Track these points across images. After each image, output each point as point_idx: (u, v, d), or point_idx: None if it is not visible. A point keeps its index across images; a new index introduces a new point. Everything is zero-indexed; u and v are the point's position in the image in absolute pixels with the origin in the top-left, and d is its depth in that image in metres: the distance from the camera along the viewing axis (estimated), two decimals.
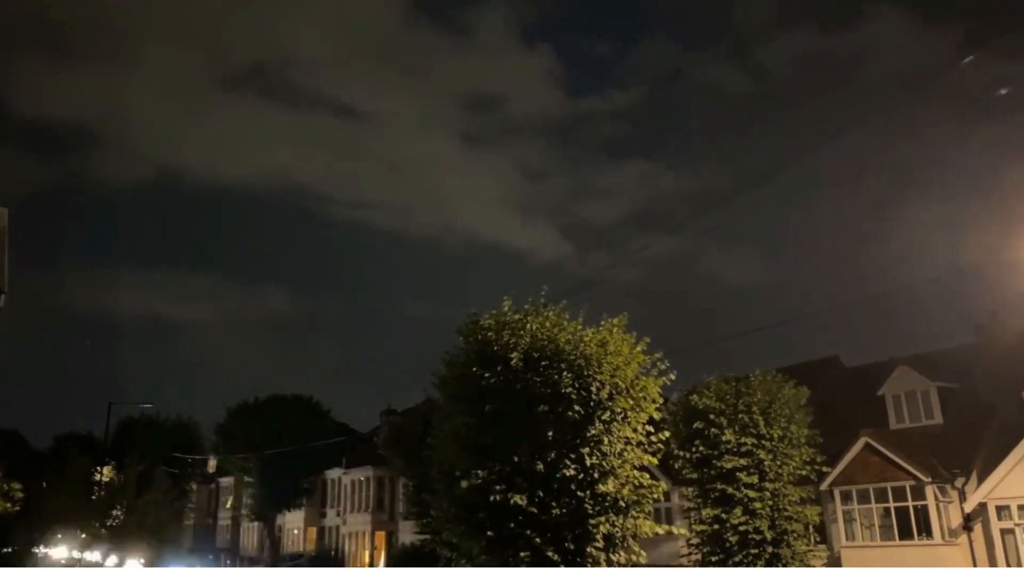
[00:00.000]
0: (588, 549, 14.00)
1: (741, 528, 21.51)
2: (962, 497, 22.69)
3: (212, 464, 58.31)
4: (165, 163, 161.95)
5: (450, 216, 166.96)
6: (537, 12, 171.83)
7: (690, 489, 23.62)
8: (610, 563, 14.21)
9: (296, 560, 52.42)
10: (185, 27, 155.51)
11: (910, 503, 23.20)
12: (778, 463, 22.30)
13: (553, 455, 14.10)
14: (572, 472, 14.02)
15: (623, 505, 14.43)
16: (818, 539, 24.97)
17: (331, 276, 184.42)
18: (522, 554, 13.80)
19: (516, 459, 14.22)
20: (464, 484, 14.21)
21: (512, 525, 13.93)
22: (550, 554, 13.72)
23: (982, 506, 22.03)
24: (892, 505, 23.66)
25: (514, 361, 14.57)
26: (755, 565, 21.32)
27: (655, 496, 15.17)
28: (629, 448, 14.91)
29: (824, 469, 23.57)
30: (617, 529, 14.32)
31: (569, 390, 14.33)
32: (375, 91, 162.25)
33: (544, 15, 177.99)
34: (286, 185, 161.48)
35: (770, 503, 21.87)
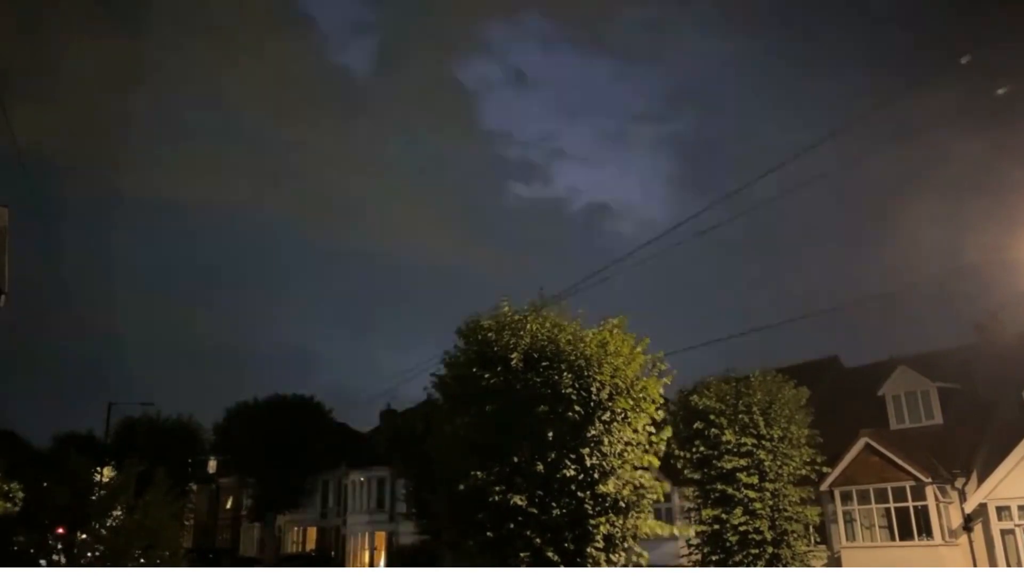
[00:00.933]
0: (588, 549, 14.01)
1: (741, 528, 21.52)
2: (962, 497, 22.68)
3: (212, 464, 58.35)
4: (135, 194, 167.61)
5: (406, 239, 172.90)
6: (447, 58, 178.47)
7: (690, 489, 23.63)
8: (610, 563, 14.22)
9: (296, 560, 52.42)
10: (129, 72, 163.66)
11: (910, 503, 23.19)
12: (778, 463, 22.31)
13: (553, 455, 14.11)
14: (572, 473, 14.03)
15: (623, 506, 14.43)
16: (818, 539, 24.96)
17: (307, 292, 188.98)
18: (522, 554, 13.80)
19: (516, 459, 14.23)
20: (464, 484, 14.22)
21: (512, 525, 13.94)
22: (550, 554, 13.73)
23: (982, 506, 22.03)
24: (892, 505, 23.65)
25: (514, 362, 14.58)
26: (755, 565, 21.33)
27: (655, 497, 15.17)
28: (629, 449, 14.91)
29: (824, 469, 23.57)
30: (617, 530, 14.33)
31: (569, 391, 14.34)
32: (309, 129, 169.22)
33: (459, 62, 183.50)
34: (251, 213, 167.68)
35: (770, 503, 21.88)
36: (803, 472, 22.90)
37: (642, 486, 14.84)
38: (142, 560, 26.05)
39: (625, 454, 14.80)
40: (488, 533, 14.02)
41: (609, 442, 14.53)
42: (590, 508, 14.13)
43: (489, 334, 15.17)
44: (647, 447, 15.26)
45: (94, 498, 31.19)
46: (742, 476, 21.81)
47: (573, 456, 14.18)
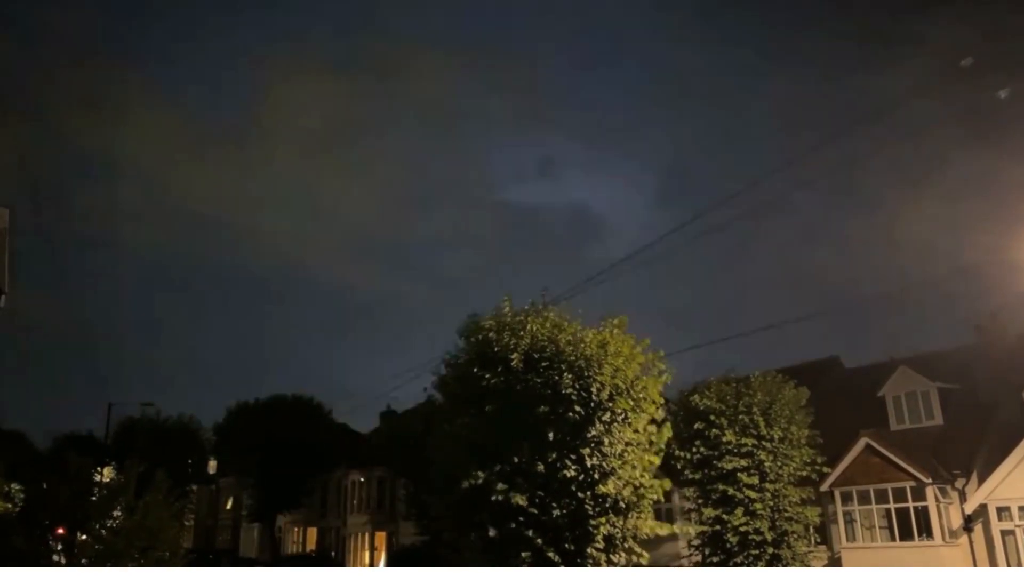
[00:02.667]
0: (588, 550, 14.00)
1: (742, 529, 21.52)
2: (962, 498, 22.67)
3: (212, 464, 58.33)
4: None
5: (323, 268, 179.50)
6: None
7: (691, 490, 23.62)
8: (610, 563, 14.21)
9: (296, 560, 52.40)
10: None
11: (910, 504, 23.17)
12: (778, 464, 22.31)
13: (554, 456, 14.10)
14: (573, 473, 14.02)
15: (623, 506, 14.42)
16: (818, 540, 24.94)
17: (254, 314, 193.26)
18: (523, 555, 13.80)
19: (516, 460, 14.22)
20: (464, 485, 14.21)
21: (513, 526, 13.93)
22: (550, 555, 13.72)
23: (982, 507, 22.02)
24: (892, 506, 23.63)
25: (514, 362, 14.58)
26: (755, 566, 21.33)
27: (656, 496, 15.16)
28: (629, 449, 14.91)
29: (824, 470, 23.56)
30: (617, 530, 14.32)
31: (570, 391, 14.33)
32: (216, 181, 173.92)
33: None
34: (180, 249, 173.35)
35: (771, 504, 21.87)
36: (803, 472, 22.89)
37: (642, 486, 14.84)
38: (142, 561, 26.02)
39: (625, 454, 14.79)
40: (489, 533, 14.02)
41: (609, 442, 14.53)
42: (590, 508, 14.12)
43: (490, 334, 15.17)
44: (647, 447, 15.26)
45: (94, 498, 31.11)
46: (742, 476, 21.81)
47: (573, 456, 14.17)
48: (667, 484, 15.59)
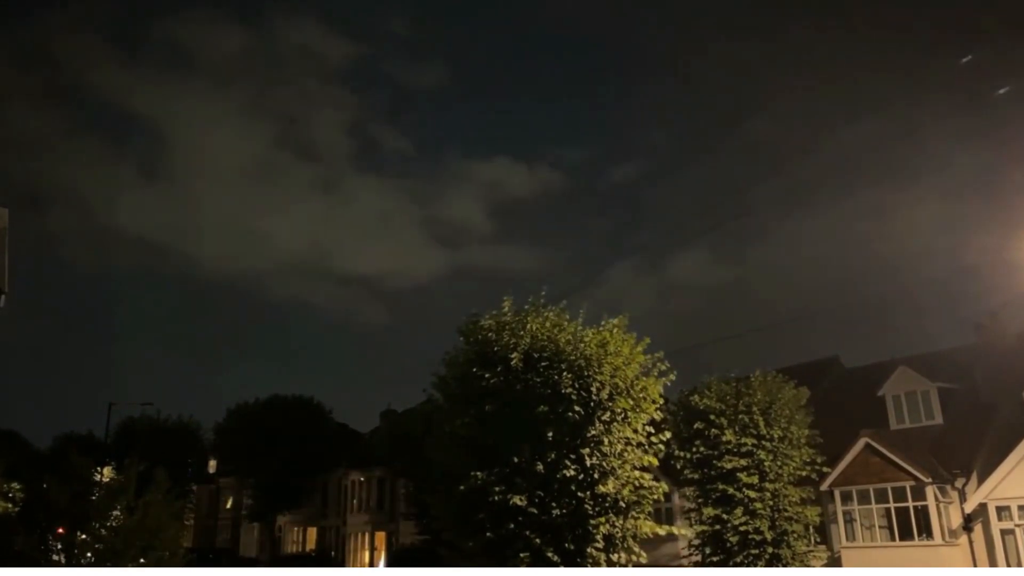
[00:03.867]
0: (588, 550, 14.01)
1: (741, 528, 21.52)
2: (962, 498, 22.66)
3: (212, 464, 58.34)
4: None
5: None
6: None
7: (691, 489, 23.62)
8: (610, 563, 14.21)
9: (296, 560, 52.39)
10: None
11: (910, 503, 23.16)
12: (778, 463, 22.31)
13: (553, 456, 14.11)
14: (572, 473, 14.02)
15: (623, 506, 14.43)
16: (818, 539, 24.93)
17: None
18: (522, 555, 13.80)
19: (516, 460, 14.23)
20: (464, 485, 14.22)
21: (512, 526, 13.94)
22: (550, 555, 13.72)
23: (982, 507, 22.01)
24: (892, 506, 23.62)
25: (514, 362, 14.58)
26: (755, 565, 21.33)
27: (655, 497, 15.16)
28: (629, 449, 14.92)
29: (824, 469, 23.56)
30: (617, 530, 14.33)
31: (569, 390, 14.34)
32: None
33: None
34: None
35: (770, 503, 21.87)
36: (803, 472, 22.90)
37: (642, 486, 14.85)
38: (142, 560, 26.04)
39: (625, 454, 14.80)
40: (488, 533, 14.02)
41: (609, 442, 14.54)
42: (590, 508, 14.13)
43: (489, 334, 15.18)
44: (647, 447, 15.26)
45: (94, 498, 31.11)
46: (742, 476, 21.80)
47: (573, 456, 14.18)
48: (665, 486, 15.59)
